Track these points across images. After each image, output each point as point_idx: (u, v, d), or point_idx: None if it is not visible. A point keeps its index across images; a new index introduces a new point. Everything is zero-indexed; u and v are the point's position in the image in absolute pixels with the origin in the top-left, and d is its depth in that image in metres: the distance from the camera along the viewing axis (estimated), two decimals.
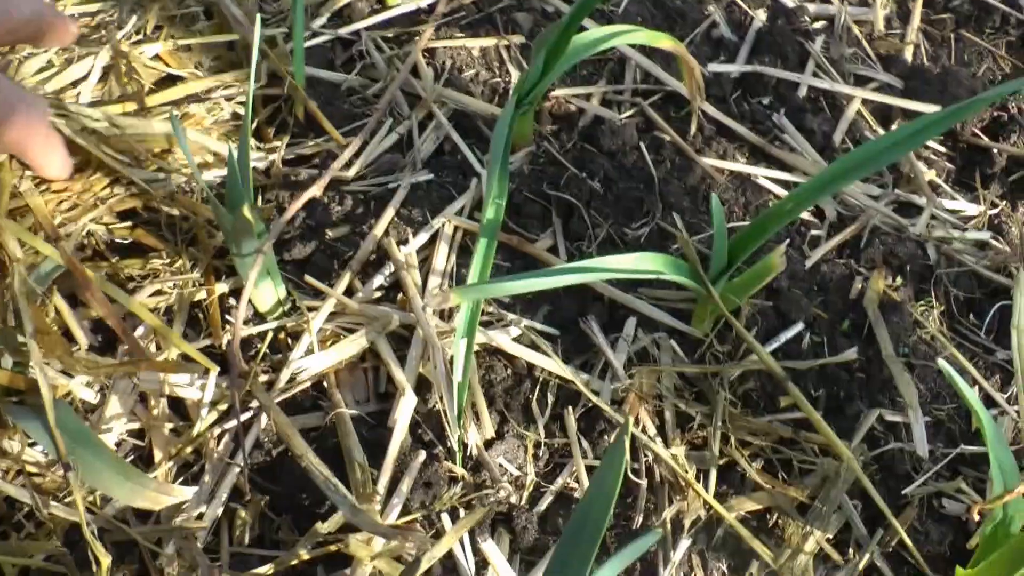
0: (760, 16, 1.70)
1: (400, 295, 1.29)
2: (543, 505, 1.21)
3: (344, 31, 1.54)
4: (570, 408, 1.26)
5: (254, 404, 1.22)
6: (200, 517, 1.18)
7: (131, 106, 1.42)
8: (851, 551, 1.22)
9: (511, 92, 1.48)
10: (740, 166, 1.48)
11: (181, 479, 1.19)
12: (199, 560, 1.14)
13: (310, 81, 1.49)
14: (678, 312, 1.34)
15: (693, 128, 1.50)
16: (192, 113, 1.44)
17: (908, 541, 1.19)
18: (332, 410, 1.23)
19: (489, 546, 1.09)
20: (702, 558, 1.21)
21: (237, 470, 1.20)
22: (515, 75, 1.52)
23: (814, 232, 1.46)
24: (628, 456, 1.19)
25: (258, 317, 1.30)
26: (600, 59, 1.58)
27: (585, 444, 1.25)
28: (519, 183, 1.40)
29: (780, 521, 1.24)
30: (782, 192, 1.48)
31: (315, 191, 1.29)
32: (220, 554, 1.17)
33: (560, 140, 1.46)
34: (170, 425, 1.24)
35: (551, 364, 1.26)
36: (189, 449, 1.22)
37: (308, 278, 1.29)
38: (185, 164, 1.40)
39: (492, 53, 1.55)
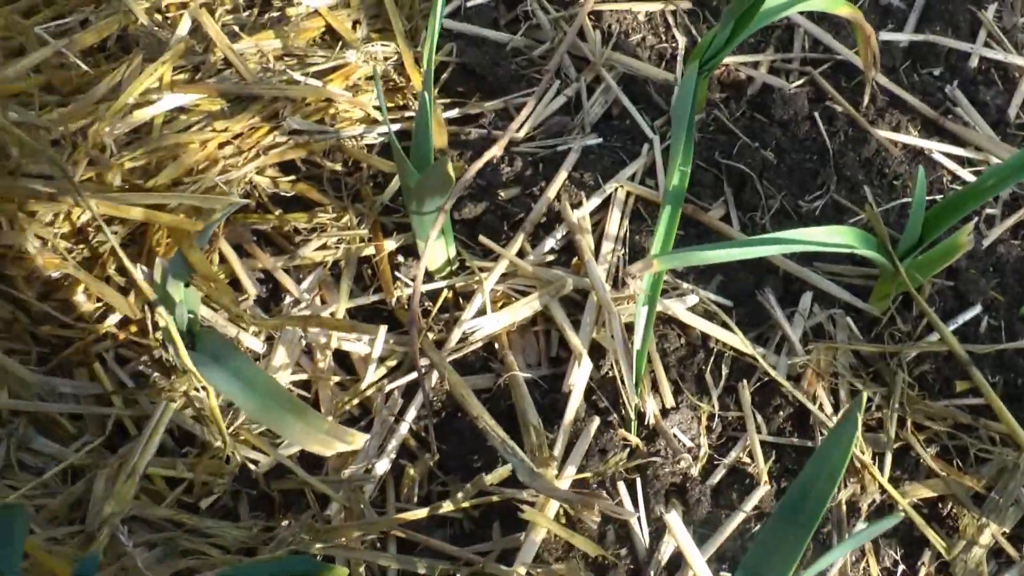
0: None
1: (574, 259, 1.27)
2: (716, 478, 1.19)
3: None
4: (744, 381, 1.23)
5: (424, 363, 1.21)
6: (368, 471, 1.17)
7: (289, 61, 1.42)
8: None
9: (688, 57, 1.44)
10: (915, 140, 1.43)
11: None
12: (367, 513, 1.14)
13: (475, 40, 1.47)
14: (854, 288, 1.30)
15: (866, 99, 1.45)
16: (348, 66, 1.41)
17: None
18: (504, 372, 1.21)
19: (672, 517, 1.07)
20: (874, 544, 1.18)
21: (405, 427, 1.19)
22: (681, 41, 1.49)
23: (989, 211, 1.41)
24: (799, 437, 1.17)
25: (426, 275, 1.29)
26: (768, 26, 1.53)
27: (759, 419, 1.22)
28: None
29: (955, 511, 1.20)
30: (956, 168, 1.42)
31: (496, 151, 1.27)
32: (387, 509, 1.17)
33: (730, 108, 1.43)
34: (336, 379, 1.24)
35: (727, 335, 1.23)
36: (355, 403, 1.22)
37: (482, 238, 1.27)
38: (346, 119, 1.39)
39: (658, 18, 1.51)
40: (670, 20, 1.51)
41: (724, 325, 1.24)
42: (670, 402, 1.19)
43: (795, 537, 0.86)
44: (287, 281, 1.28)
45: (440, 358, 1.19)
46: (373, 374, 1.22)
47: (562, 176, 1.32)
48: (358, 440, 1.09)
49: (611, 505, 1.09)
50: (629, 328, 1.18)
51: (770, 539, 0.88)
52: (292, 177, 1.37)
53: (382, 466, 1.18)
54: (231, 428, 1.17)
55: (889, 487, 1.18)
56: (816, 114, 1.42)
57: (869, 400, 1.23)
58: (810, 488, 0.84)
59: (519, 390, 1.18)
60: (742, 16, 1.23)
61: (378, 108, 1.37)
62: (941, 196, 1.36)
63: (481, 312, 1.23)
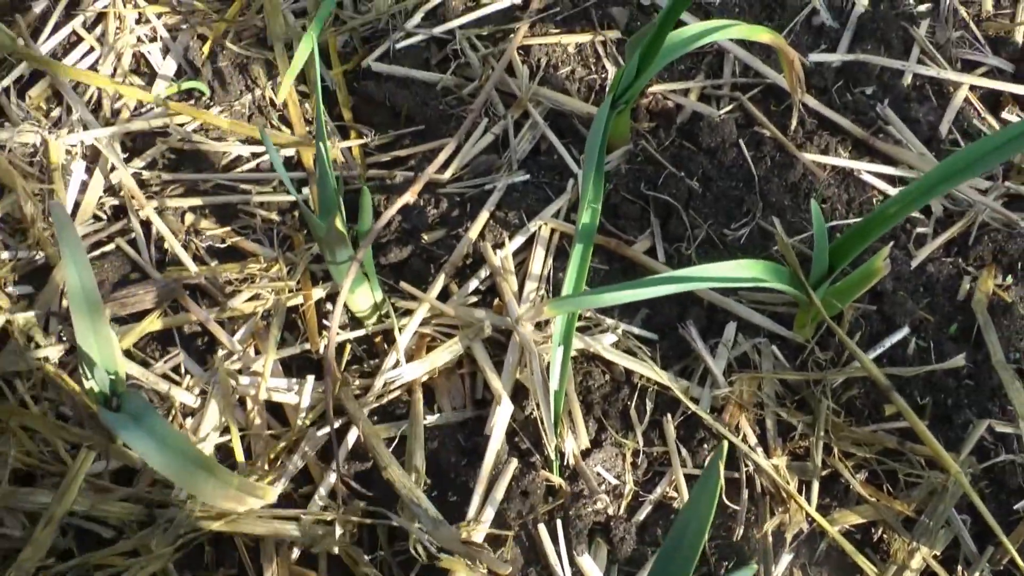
0: (862, 1, 1.65)
1: (496, 300, 1.28)
2: (642, 515, 1.20)
3: (438, 30, 1.53)
4: (669, 416, 1.24)
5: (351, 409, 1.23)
6: (297, 520, 1.19)
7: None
8: (960, 569, 1.18)
9: (607, 91, 1.45)
10: (843, 161, 1.44)
11: (280, 483, 1.20)
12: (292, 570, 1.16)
13: (404, 82, 1.48)
14: (779, 316, 1.31)
15: (794, 123, 1.46)
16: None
17: (1020, 561, 1.15)
18: (425, 417, 1.23)
19: (586, 561, 1.08)
20: (804, 573, 1.19)
21: (333, 476, 1.21)
22: (611, 71, 1.50)
23: (920, 230, 1.41)
24: (726, 469, 1.18)
25: (355, 322, 1.30)
26: (698, 52, 1.54)
27: (684, 452, 1.23)
28: (616, 183, 1.38)
29: (885, 536, 1.21)
30: (887, 187, 1.43)
31: (408, 197, 1.29)
32: (317, 560, 1.19)
33: (658, 138, 1.44)
34: (269, 431, 1.26)
35: (649, 371, 1.25)
36: (287, 453, 1.23)
37: (403, 284, 1.28)
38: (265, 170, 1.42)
39: (588, 49, 1.52)
40: (600, 51, 1.52)
41: (644, 360, 1.25)
42: (586, 443, 1.20)
43: None
44: (220, 333, 1.30)
45: (356, 408, 1.21)
46: (302, 423, 1.23)
47: (484, 216, 1.34)
48: (270, 494, 1.11)
49: (495, 559, 1.10)
50: (548, 369, 1.20)
51: None
52: (227, 228, 1.39)
53: (310, 516, 1.19)
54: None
55: (816, 515, 1.19)
56: (743, 140, 1.43)
57: (794, 429, 1.24)
58: (678, 545, 0.86)
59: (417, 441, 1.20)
60: (650, 47, 1.24)
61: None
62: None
63: (399, 361, 1.24)
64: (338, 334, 1.28)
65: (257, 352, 1.30)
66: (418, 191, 1.31)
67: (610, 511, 1.18)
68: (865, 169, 1.44)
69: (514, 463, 1.16)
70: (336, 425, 1.22)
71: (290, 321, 1.32)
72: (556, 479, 1.18)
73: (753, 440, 1.23)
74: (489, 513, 1.14)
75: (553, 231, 1.34)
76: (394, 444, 1.22)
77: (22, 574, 1.13)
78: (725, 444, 0.86)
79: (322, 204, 1.15)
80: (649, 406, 1.25)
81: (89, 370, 1.16)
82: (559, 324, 1.17)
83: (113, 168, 1.43)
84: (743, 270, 1.13)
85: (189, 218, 1.40)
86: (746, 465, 1.22)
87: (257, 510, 1.17)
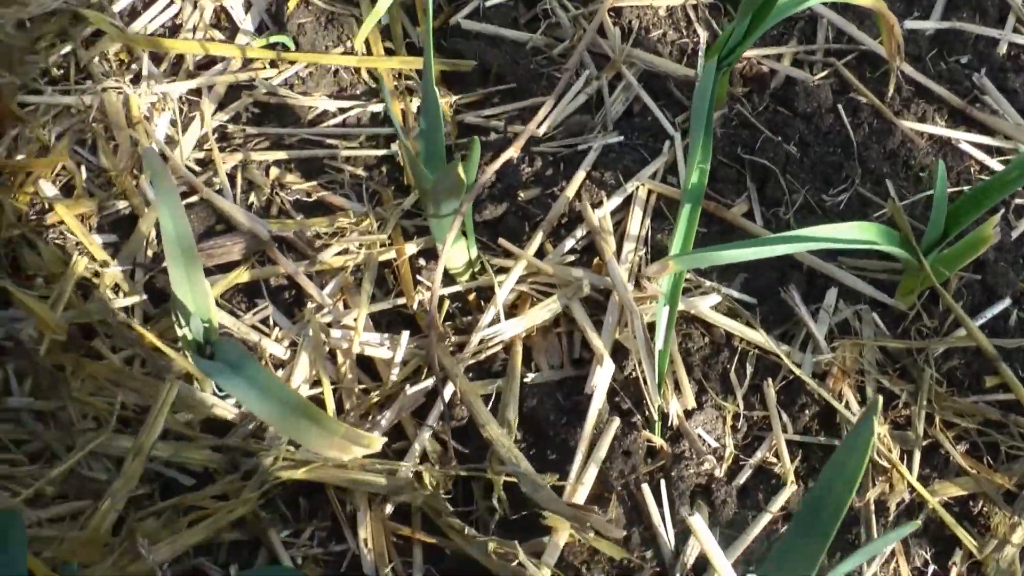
0: None
1: (595, 259, 1.26)
2: (742, 479, 1.18)
3: None
4: (770, 380, 1.22)
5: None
6: (393, 474, 1.17)
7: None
8: None
9: (706, 53, 1.43)
10: (941, 130, 1.41)
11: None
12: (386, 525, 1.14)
13: (494, 40, 1.46)
14: (880, 283, 1.29)
15: (891, 89, 1.43)
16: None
17: None
18: (524, 375, 1.21)
19: (696, 519, 1.06)
20: (904, 544, 1.16)
21: (428, 431, 1.19)
22: (703, 35, 1.47)
23: (1019, 200, 1.38)
24: (827, 436, 1.16)
25: (448, 278, 1.28)
26: (791, 18, 1.51)
27: (785, 418, 1.21)
28: (712, 146, 1.35)
29: (986, 509, 1.18)
30: (985, 158, 1.40)
31: (512, 152, 1.27)
32: (411, 515, 1.17)
33: (752, 103, 1.41)
34: (361, 385, 1.24)
35: (752, 334, 1.22)
36: (379, 408, 1.22)
37: (502, 240, 1.26)
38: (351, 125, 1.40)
39: (679, 13, 1.50)
40: (691, 15, 1.50)
41: (748, 323, 1.23)
42: (692, 403, 1.18)
43: (814, 545, 0.85)
44: (309, 286, 1.28)
45: (453, 364, 1.18)
46: (395, 378, 1.21)
47: (581, 175, 1.31)
48: (375, 443, 1.08)
49: (603, 522, 1.08)
50: (652, 328, 1.18)
51: (789, 547, 0.87)
52: (314, 183, 1.37)
53: (405, 471, 1.17)
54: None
55: (918, 485, 1.17)
56: (840, 106, 1.40)
57: (896, 397, 1.22)
58: (827, 495, 0.83)
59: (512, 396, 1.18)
60: (759, 9, 1.22)
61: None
62: (969, 187, 1.34)
63: (498, 316, 1.22)
64: (430, 289, 1.25)
65: (346, 306, 1.28)
66: (521, 146, 1.28)
67: (715, 472, 1.16)
68: (964, 139, 1.41)
69: (616, 422, 1.14)
70: (432, 381, 1.19)
71: (379, 276, 1.30)
72: (657, 440, 1.16)
73: (855, 408, 1.21)
74: (592, 472, 1.12)
75: (650, 192, 1.32)
76: (491, 402, 1.19)
77: (115, 504, 1.11)
78: (879, 398, 0.84)
79: (430, 155, 1.13)
80: (749, 370, 1.23)
81: (183, 318, 1.14)
82: (666, 283, 1.15)
83: (195, 120, 1.40)
84: (859, 232, 1.11)
85: (274, 172, 1.38)
86: (848, 433, 1.20)
87: (348, 463, 1.16)
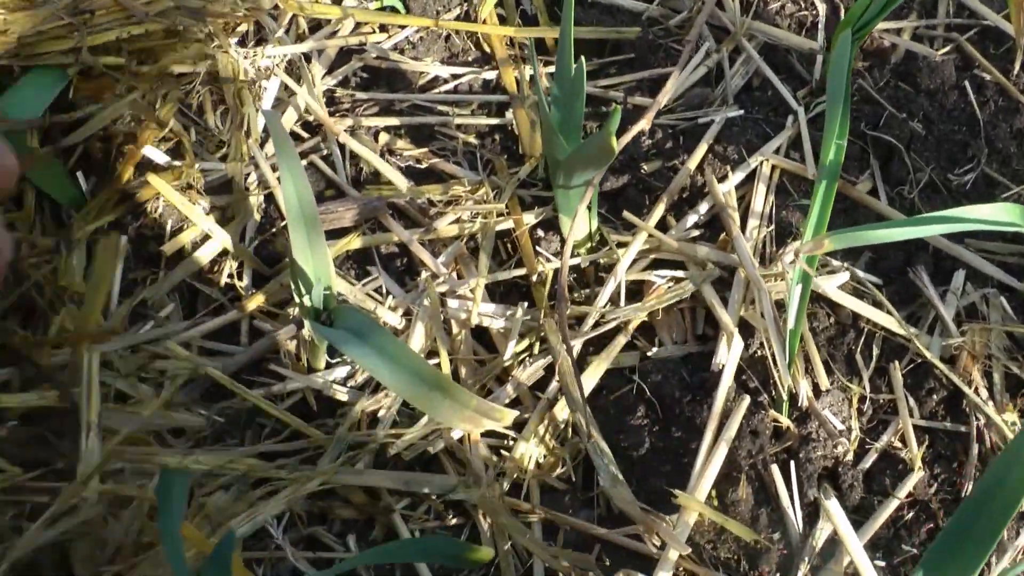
0: None
1: (720, 235, 1.24)
2: (867, 463, 1.15)
3: None
4: (896, 362, 1.19)
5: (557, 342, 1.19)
6: (509, 451, 1.16)
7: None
8: None
9: (834, 25, 1.39)
10: None
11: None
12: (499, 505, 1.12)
13: (609, 9, 1.43)
14: (1008, 267, 1.26)
15: (1017, 66, 1.39)
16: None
17: None
18: (647, 350, 1.19)
19: (833, 504, 1.04)
20: None
21: (542, 405, 1.17)
22: (822, 8, 1.43)
23: None
24: (952, 422, 1.13)
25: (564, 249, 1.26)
26: None
27: (912, 402, 1.18)
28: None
29: None
30: None
31: (644, 124, 1.24)
32: (528, 489, 1.15)
33: (874, 77, 1.37)
34: (476, 356, 1.22)
35: (879, 315, 1.19)
36: (495, 380, 1.20)
37: (626, 213, 1.24)
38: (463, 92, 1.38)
39: None
40: None
41: (876, 304, 1.20)
42: (825, 383, 1.15)
43: (973, 550, 0.82)
44: (424, 255, 1.26)
45: (561, 342, 1.16)
46: (512, 350, 1.20)
47: (703, 148, 1.29)
48: (507, 417, 1.07)
49: (669, 531, 1.06)
50: (778, 306, 1.15)
51: (945, 549, 0.84)
52: (424, 150, 1.35)
53: (530, 448, 1.15)
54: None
55: None
56: (965, 83, 1.36)
57: (1023, 384, 1.19)
58: (994, 495, 0.80)
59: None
60: None
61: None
62: None
63: (618, 290, 1.20)
64: (549, 261, 1.24)
65: (459, 276, 1.26)
66: (651, 119, 1.26)
67: (842, 455, 1.13)
68: None
69: (747, 401, 1.12)
70: (547, 360, 1.18)
71: (493, 247, 1.28)
72: (785, 420, 1.13)
73: (984, 394, 1.18)
74: (722, 451, 1.10)
75: (774, 168, 1.29)
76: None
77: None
78: None
79: (566, 125, 1.10)
80: (875, 352, 1.20)
81: (303, 284, 1.13)
82: (799, 260, 1.12)
83: (304, 84, 1.38)
84: (1003, 213, 1.08)
85: (383, 137, 1.36)
86: (977, 419, 1.17)
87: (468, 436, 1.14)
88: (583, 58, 1.05)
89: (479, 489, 1.11)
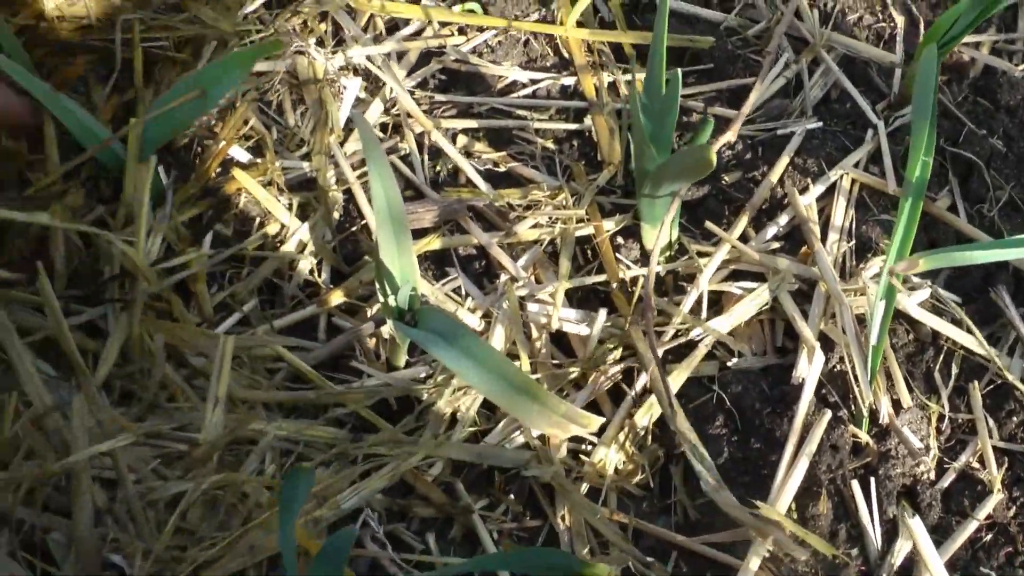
0: None
1: (801, 248, 1.24)
2: (946, 482, 1.16)
3: None
4: (975, 382, 1.19)
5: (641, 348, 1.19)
6: (588, 455, 1.17)
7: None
8: None
9: (918, 38, 1.39)
10: None
11: None
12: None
13: (688, 19, 1.43)
14: None
15: None
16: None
17: None
18: (727, 360, 1.20)
19: (915, 522, 1.04)
20: None
21: (623, 412, 1.18)
22: (900, 20, 1.43)
23: None
24: None
25: (645, 258, 1.27)
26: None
27: (991, 423, 1.18)
28: None
29: None
30: None
31: (730, 136, 1.25)
32: (606, 495, 1.16)
33: (952, 92, 1.37)
34: (554, 361, 1.23)
35: (959, 334, 1.20)
36: (573, 386, 1.21)
37: (708, 223, 1.24)
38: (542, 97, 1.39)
39: None
40: None
41: (956, 322, 1.20)
42: (907, 401, 1.16)
43: None
44: (504, 258, 1.27)
45: (649, 350, 1.17)
46: (590, 355, 1.20)
47: (785, 160, 1.29)
48: (594, 423, 1.08)
49: (786, 540, 1.06)
50: (857, 321, 1.16)
51: None
52: (503, 153, 1.35)
53: (610, 453, 1.16)
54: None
55: None
56: None
57: None
58: None
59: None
60: None
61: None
62: None
63: (699, 300, 1.21)
64: (629, 268, 1.24)
65: (538, 281, 1.27)
66: (737, 130, 1.26)
67: (921, 474, 1.13)
68: None
69: (828, 415, 1.12)
70: (632, 361, 1.18)
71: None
72: (864, 436, 1.14)
73: None
74: (803, 465, 1.10)
75: (854, 181, 1.29)
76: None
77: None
78: None
79: (657, 134, 1.11)
80: (954, 370, 1.20)
81: (389, 284, 1.13)
82: (883, 277, 1.12)
83: (384, 85, 1.39)
84: None
85: (461, 140, 1.37)
86: None
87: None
88: (678, 70, 1.05)
89: (552, 467, 1.12)
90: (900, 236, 1.12)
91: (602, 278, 1.25)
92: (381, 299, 1.16)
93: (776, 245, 1.25)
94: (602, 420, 1.07)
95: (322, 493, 1.09)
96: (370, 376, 1.19)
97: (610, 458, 1.15)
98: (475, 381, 1.05)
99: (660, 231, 1.15)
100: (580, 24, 1.44)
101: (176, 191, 1.30)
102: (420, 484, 1.15)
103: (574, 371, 1.20)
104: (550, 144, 1.37)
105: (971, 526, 1.12)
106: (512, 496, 1.16)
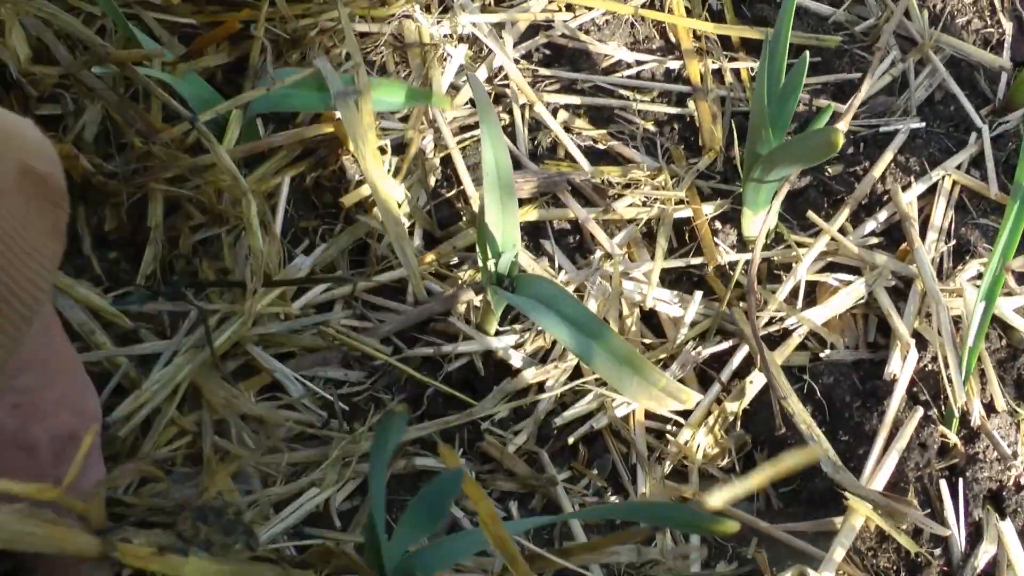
0: None
1: (900, 245, 1.24)
2: None
3: None
4: None
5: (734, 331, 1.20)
6: (675, 436, 1.17)
7: None
8: None
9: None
10: None
11: None
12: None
13: (798, 12, 1.43)
14: None
15: None
16: None
17: None
18: (818, 351, 1.20)
19: (1007, 526, 1.04)
20: None
21: (712, 395, 1.19)
22: (1008, 27, 1.43)
23: None
24: None
25: (741, 245, 1.27)
26: None
27: None
28: (1018, 144, 1.32)
29: None
30: None
31: (842, 126, 1.25)
32: (688, 475, 1.17)
33: None
34: (645, 340, 1.23)
35: None
36: (662, 366, 1.21)
37: (810, 213, 1.25)
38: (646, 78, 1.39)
39: (984, 1, 1.45)
40: (996, 4, 1.45)
41: None
42: (1001, 404, 1.16)
43: None
44: (600, 234, 1.27)
45: (750, 331, 1.17)
46: (683, 337, 1.21)
47: (888, 157, 1.29)
48: (691, 399, 1.08)
49: (922, 516, 1.06)
50: (953, 322, 1.16)
51: None
52: (603, 131, 1.36)
53: (698, 434, 1.16)
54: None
55: None
56: None
57: None
58: None
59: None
60: None
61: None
62: None
63: (796, 289, 1.21)
64: (727, 253, 1.25)
65: (631, 259, 1.27)
66: (849, 122, 1.26)
67: (1007, 480, 1.13)
68: None
69: (919, 413, 1.13)
70: (723, 345, 1.19)
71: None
72: (953, 437, 1.14)
73: None
74: (892, 460, 1.11)
75: (954, 183, 1.29)
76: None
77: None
78: None
79: (776, 118, 1.11)
80: None
81: (491, 248, 1.14)
82: (986, 279, 1.12)
83: (489, 54, 1.40)
84: None
85: (562, 115, 1.38)
86: None
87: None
88: (806, 53, 1.06)
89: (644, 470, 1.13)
90: (1005, 238, 1.12)
91: (698, 260, 1.25)
92: (480, 263, 1.16)
93: (874, 241, 1.25)
94: (700, 397, 1.07)
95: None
96: (467, 338, 1.20)
97: (697, 440, 1.15)
98: (575, 348, 1.06)
99: (768, 215, 1.15)
100: (687, 10, 1.44)
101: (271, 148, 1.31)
102: (505, 458, 1.15)
103: (663, 353, 1.20)
104: (651, 126, 1.37)
105: None
106: (595, 471, 1.16)
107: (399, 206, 1.29)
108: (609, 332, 1.06)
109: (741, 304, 1.23)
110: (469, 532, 1.05)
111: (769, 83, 1.11)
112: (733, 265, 1.25)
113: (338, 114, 1.30)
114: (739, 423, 1.17)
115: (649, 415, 1.18)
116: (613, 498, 1.16)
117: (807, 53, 1.06)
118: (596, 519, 1.11)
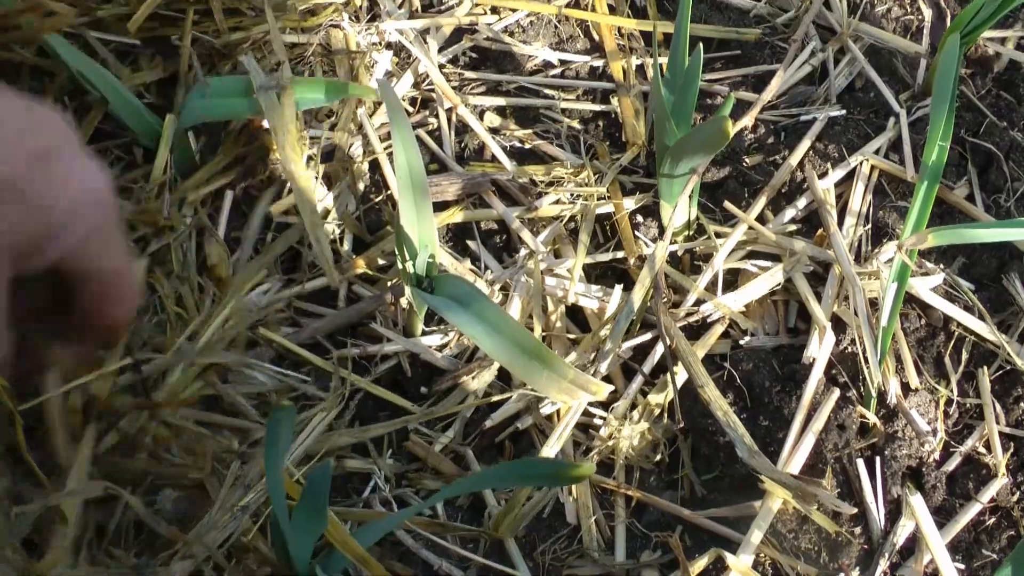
0: None
1: (817, 232, 1.26)
2: (951, 466, 1.17)
3: None
4: (984, 368, 1.21)
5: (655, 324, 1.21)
6: (597, 430, 1.19)
7: None
8: None
9: (942, 31, 1.40)
10: None
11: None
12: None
13: (718, 6, 1.45)
14: None
15: None
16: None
17: None
18: (739, 339, 1.21)
19: (917, 500, 1.06)
20: None
21: (635, 387, 1.20)
22: (927, 13, 1.45)
23: None
24: None
25: (662, 236, 1.28)
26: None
27: (999, 408, 1.19)
28: None
29: None
30: None
31: (747, 121, 1.26)
32: (615, 469, 1.18)
33: (976, 85, 1.39)
34: (569, 335, 1.25)
35: (970, 320, 1.21)
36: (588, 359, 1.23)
37: (727, 203, 1.26)
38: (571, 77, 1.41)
39: None
40: None
41: (968, 308, 1.21)
42: (915, 383, 1.17)
43: None
44: (524, 232, 1.29)
45: (671, 324, 1.19)
46: (606, 331, 1.22)
47: (806, 145, 1.31)
48: (602, 391, 1.10)
49: (831, 496, 1.08)
50: (870, 305, 1.17)
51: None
52: (529, 131, 1.38)
53: (626, 428, 1.18)
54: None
55: None
56: None
57: None
58: None
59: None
60: None
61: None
62: None
63: (715, 279, 1.22)
64: (648, 246, 1.26)
65: (557, 256, 1.29)
66: (756, 115, 1.28)
67: (927, 456, 1.15)
68: None
69: (836, 394, 1.14)
70: (646, 337, 1.20)
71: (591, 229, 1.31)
72: (872, 417, 1.15)
73: None
74: (809, 442, 1.12)
75: (873, 168, 1.30)
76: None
77: None
78: None
79: (679, 111, 1.13)
80: (964, 356, 1.22)
81: (408, 250, 1.15)
82: (896, 261, 1.14)
83: (415, 60, 1.42)
84: None
85: (489, 117, 1.39)
86: None
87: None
88: (700, 45, 1.07)
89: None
90: (915, 217, 1.14)
91: (620, 255, 1.27)
92: (400, 265, 1.18)
93: (793, 228, 1.27)
94: (610, 388, 1.09)
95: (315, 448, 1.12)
96: (389, 340, 1.21)
97: (623, 433, 1.16)
98: (487, 345, 1.08)
99: (678, 207, 1.16)
100: (611, 8, 1.46)
101: (203, 160, 1.33)
102: (431, 457, 1.16)
103: (586, 347, 1.21)
104: (576, 124, 1.39)
105: (974, 508, 1.13)
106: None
107: (328, 214, 1.31)
108: (519, 328, 1.08)
109: (666, 298, 1.24)
110: (377, 522, 1.06)
111: (672, 72, 1.12)
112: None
113: (265, 123, 1.32)
114: (666, 414, 1.18)
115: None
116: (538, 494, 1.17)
117: (700, 47, 1.07)
118: (461, 494, 1.14)
